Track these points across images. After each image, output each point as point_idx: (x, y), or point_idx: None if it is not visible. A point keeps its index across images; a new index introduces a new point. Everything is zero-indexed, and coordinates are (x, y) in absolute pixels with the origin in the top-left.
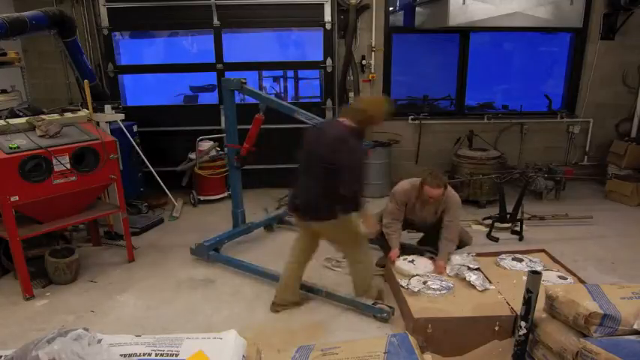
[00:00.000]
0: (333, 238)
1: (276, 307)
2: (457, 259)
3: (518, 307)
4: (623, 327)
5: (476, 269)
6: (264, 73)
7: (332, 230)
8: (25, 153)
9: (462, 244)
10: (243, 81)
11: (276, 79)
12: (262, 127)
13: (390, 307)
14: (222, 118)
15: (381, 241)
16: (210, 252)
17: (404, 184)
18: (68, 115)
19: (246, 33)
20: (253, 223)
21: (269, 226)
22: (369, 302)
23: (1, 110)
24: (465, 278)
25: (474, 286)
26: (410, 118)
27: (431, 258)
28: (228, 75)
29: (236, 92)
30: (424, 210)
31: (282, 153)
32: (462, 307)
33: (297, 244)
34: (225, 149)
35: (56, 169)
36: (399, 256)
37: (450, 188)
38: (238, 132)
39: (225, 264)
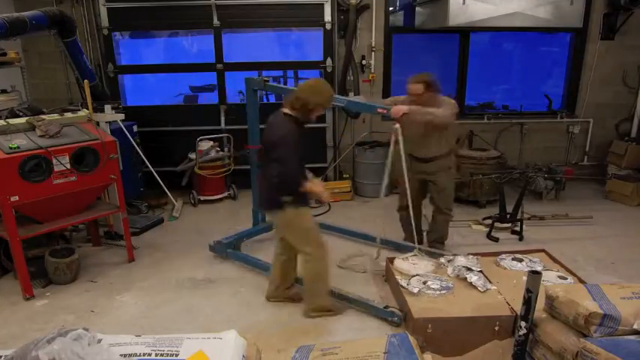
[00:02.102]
0: (281, 228)
1: (269, 299)
2: (461, 260)
3: (518, 307)
4: (623, 327)
5: (478, 271)
6: (265, 73)
7: (279, 221)
8: (25, 153)
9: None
10: (266, 79)
11: (276, 79)
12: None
13: (402, 311)
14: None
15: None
16: (228, 250)
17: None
18: (68, 115)
19: (246, 33)
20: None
21: None
22: (381, 306)
23: (1, 110)
24: (465, 279)
25: (474, 287)
26: None
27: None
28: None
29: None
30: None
31: None
32: (462, 307)
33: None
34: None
35: (56, 169)
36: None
37: (444, 98)
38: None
39: (243, 262)
